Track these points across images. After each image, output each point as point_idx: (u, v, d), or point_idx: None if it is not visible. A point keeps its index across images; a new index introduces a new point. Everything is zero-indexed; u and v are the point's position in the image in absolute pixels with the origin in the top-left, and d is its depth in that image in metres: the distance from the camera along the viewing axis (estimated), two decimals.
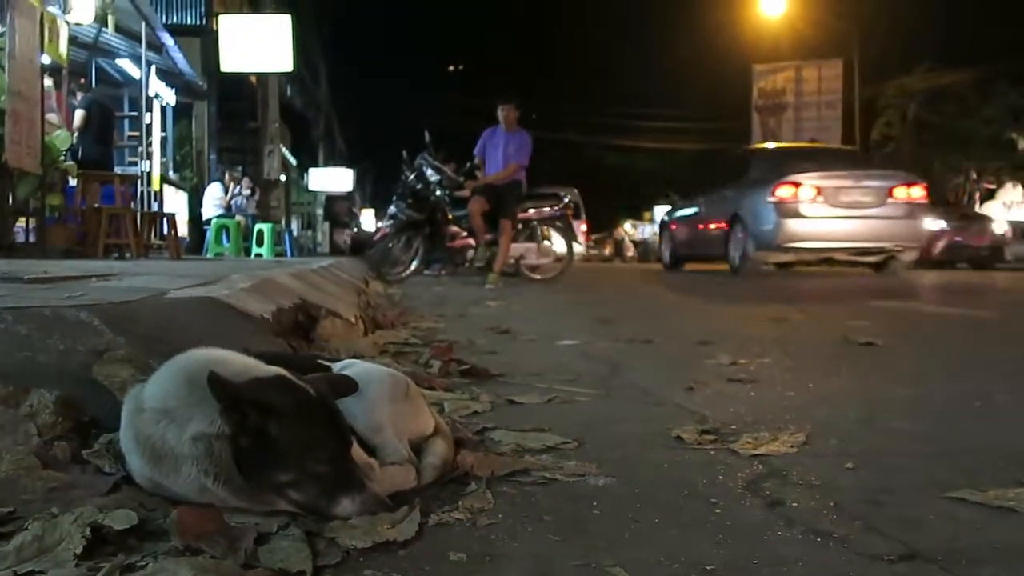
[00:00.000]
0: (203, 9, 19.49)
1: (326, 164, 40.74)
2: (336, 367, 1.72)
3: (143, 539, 1.23)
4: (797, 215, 11.51)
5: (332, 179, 38.62)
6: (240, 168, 20.18)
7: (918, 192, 12.02)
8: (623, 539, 1.29)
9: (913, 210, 11.86)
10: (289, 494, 1.33)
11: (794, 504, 1.46)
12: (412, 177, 10.05)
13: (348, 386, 1.50)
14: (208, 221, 15.86)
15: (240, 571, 1.10)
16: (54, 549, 1.14)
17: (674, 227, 16.13)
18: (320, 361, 1.78)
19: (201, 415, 1.33)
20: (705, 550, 1.24)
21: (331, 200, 40.47)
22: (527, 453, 1.79)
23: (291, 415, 1.33)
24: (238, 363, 1.42)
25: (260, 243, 15.13)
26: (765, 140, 34.21)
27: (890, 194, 11.75)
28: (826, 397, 2.53)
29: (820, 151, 15.46)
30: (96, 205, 8.82)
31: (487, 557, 1.21)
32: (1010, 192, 26.31)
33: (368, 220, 44.80)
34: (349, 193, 41.47)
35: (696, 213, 14.83)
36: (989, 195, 28.53)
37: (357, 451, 1.45)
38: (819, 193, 11.55)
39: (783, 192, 11.64)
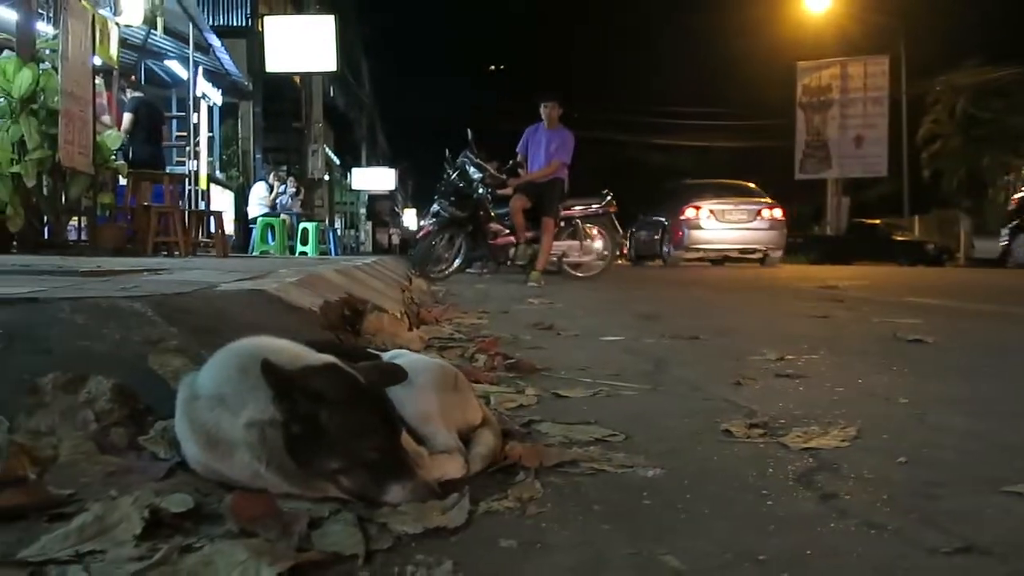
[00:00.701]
0: (249, 10, 19.74)
1: (369, 164, 41.05)
2: (385, 357, 1.73)
3: (199, 522, 1.25)
4: (698, 227, 18.39)
5: (375, 178, 38.92)
6: (285, 167, 20.42)
7: (778, 212, 18.66)
8: (673, 529, 1.28)
9: (775, 224, 18.50)
10: (339, 480, 1.34)
11: (847, 497, 1.44)
12: (455, 175, 10.08)
13: (398, 374, 1.51)
14: (254, 220, 16.05)
15: (294, 553, 1.12)
16: (114, 530, 1.16)
17: (634, 233, 22.24)
18: (369, 351, 1.80)
19: (254, 402, 1.35)
20: (757, 540, 1.22)
21: (374, 199, 40.80)
22: (574, 445, 1.79)
23: (342, 402, 1.35)
24: (290, 351, 1.44)
25: (304, 241, 15.29)
26: (810, 137, 33.83)
27: (759, 214, 18.38)
28: (876, 392, 2.49)
29: (723, 185, 20.73)
30: (146, 204, 8.97)
31: (537, 544, 1.22)
32: None
33: (410, 219, 45.09)
34: (391, 192, 41.80)
35: (645, 225, 21.47)
36: None
37: (406, 439, 1.46)
38: (712, 213, 18.36)
39: (689, 213, 18.55)
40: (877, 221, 30.50)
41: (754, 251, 18.46)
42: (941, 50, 32.10)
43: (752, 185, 20.63)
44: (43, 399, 1.55)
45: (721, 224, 18.28)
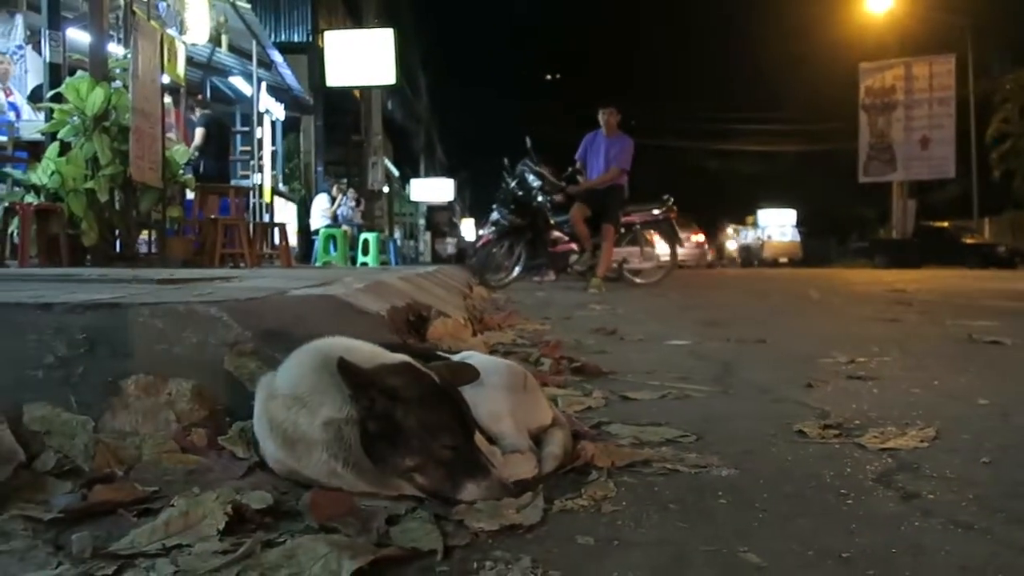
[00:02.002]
0: (310, 26, 20.10)
1: (427, 175, 41.41)
2: (455, 359, 1.74)
3: (279, 519, 1.27)
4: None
5: (433, 189, 39.25)
6: (345, 180, 20.71)
7: (700, 237, 26.77)
8: (752, 527, 1.27)
9: (701, 245, 25.95)
10: (415, 478, 1.35)
11: (930, 496, 1.40)
12: (514, 183, 10.10)
13: (470, 374, 1.52)
14: (315, 231, 16.30)
15: (374, 548, 1.13)
16: (198, 525, 1.19)
17: None
18: (439, 352, 1.81)
19: (331, 401, 1.37)
20: (839, 539, 1.20)
21: (432, 210, 41.13)
22: (645, 446, 1.77)
23: (417, 400, 1.36)
24: (365, 350, 1.46)
25: (365, 252, 15.46)
26: (874, 139, 33.12)
27: (688, 237, 23.00)
28: (954, 394, 2.43)
29: None
30: (213, 216, 9.17)
31: (614, 541, 1.21)
32: None
33: (468, 229, 45.31)
34: (449, 203, 42.07)
35: None
36: None
37: (479, 438, 1.46)
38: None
39: None
40: (945, 224, 29.71)
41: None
42: (1010, 47, 31.21)
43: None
44: (126, 400, 1.60)
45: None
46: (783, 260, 34.99)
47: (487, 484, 1.35)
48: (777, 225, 38.45)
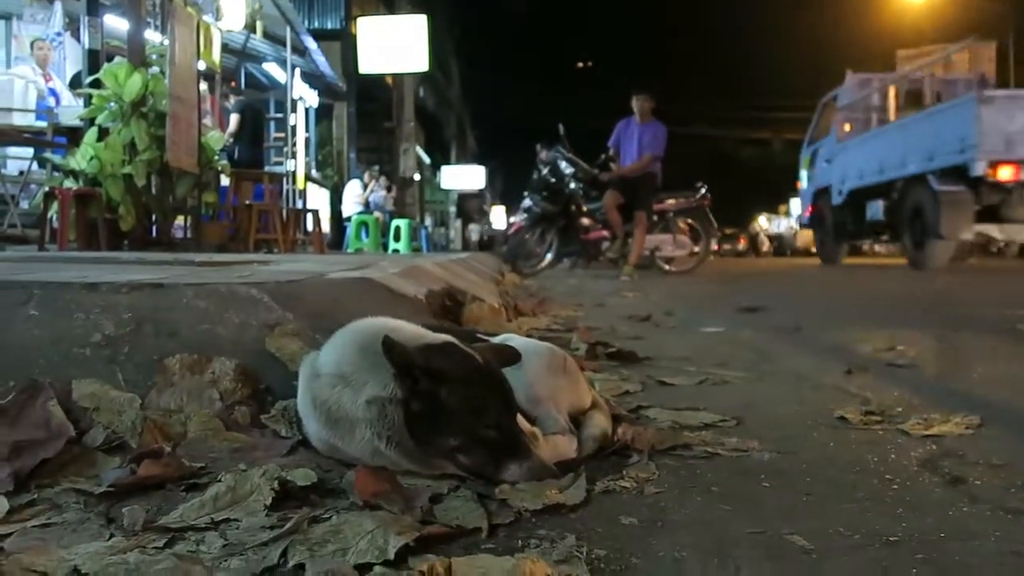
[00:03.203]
0: (343, 13, 20.15)
1: (458, 162, 41.42)
2: (495, 340, 1.74)
3: (323, 496, 1.29)
4: None
5: (464, 177, 39.24)
6: (377, 167, 20.78)
7: None
8: (797, 511, 1.26)
9: None
10: (458, 458, 1.36)
11: (977, 482, 1.39)
12: (546, 171, 10.08)
13: (512, 355, 1.52)
14: (348, 218, 16.38)
15: (418, 525, 1.13)
16: (246, 500, 1.20)
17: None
18: (479, 335, 1.81)
19: (375, 380, 1.38)
20: (885, 523, 1.19)
21: (463, 198, 41.15)
22: (685, 430, 1.77)
23: (460, 380, 1.36)
24: (408, 330, 1.46)
25: (397, 239, 15.52)
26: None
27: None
28: (997, 383, 2.39)
29: None
30: (247, 202, 9.25)
31: (658, 522, 1.21)
32: None
33: (499, 217, 45.29)
34: (480, 191, 42.06)
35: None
36: None
37: (520, 420, 1.47)
38: None
39: None
40: None
41: None
42: None
43: None
44: (171, 379, 1.62)
45: None
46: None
47: (529, 465, 1.35)
48: None
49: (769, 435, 1.72)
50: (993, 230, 10.58)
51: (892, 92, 13.17)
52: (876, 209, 12.63)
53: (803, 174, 16.26)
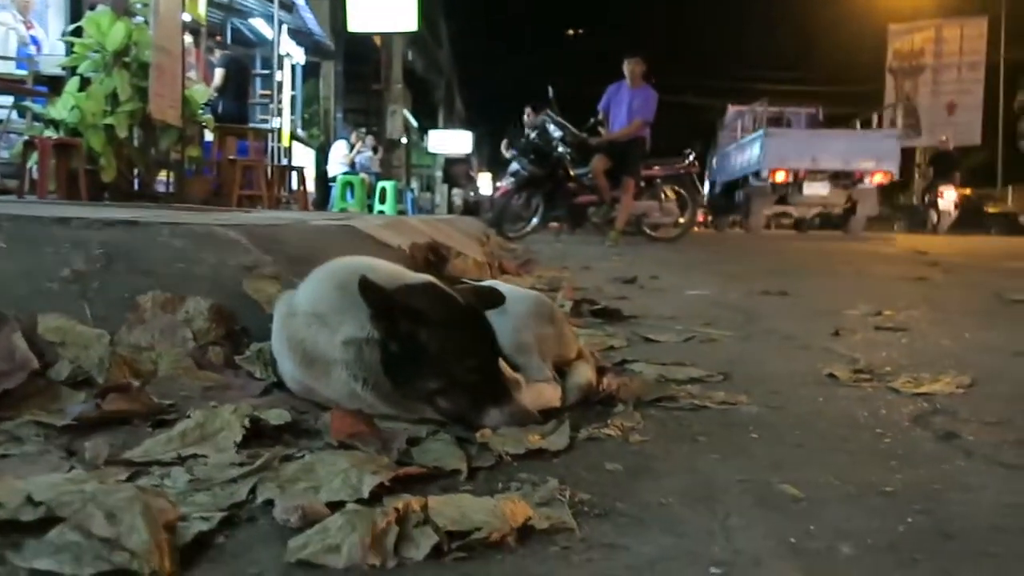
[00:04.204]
0: None
1: (446, 127, 41.08)
2: (480, 285, 1.69)
3: (297, 436, 1.24)
4: None
5: (451, 141, 38.91)
6: (364, 128, 20.56)
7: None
8: (787, 461, 1.22)
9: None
10: (437, 402, 1.31)
11: (970, 438, 1.35)
12: (534, 134, 9.96)
13: (496, 297, 1.47)
14: (333, 178, 16.20)
15: (394, 466, 1.09)
16: (215, 437, 1.15)
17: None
18: (463, 280, 1.76)
19: (352, 320, 1.33)
20: (879, 474, 1.15)
21: (450, 162, 40.86)
22: (671, 383, 1.73)
23: (441, 322, 1.31)
24: (388, 270, 1.41)
25: (383, 200, 15.36)
26: (899, 103, 32.54)
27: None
28: (986, 347, 2.37)
29: None
30: (231, 158, 9.11)
31: (644, 469, 1.17)
32: None
33: (485, 183, 45.03)
34: (467, 156, 41.76)
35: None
36: None
37: (504, 366, 1.42)
38: None
39: None
40: (967, 191, 29.24)
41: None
42: None
43: None
44: (143, 316, 1.56)
45: None
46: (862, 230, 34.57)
47: (511, 410, 1.31)
48: None
49: (757, 390, 1.69)
50: (784, 209, 16.88)
51: (753, 119, 18.21)
52: (739, 196, 18.10)
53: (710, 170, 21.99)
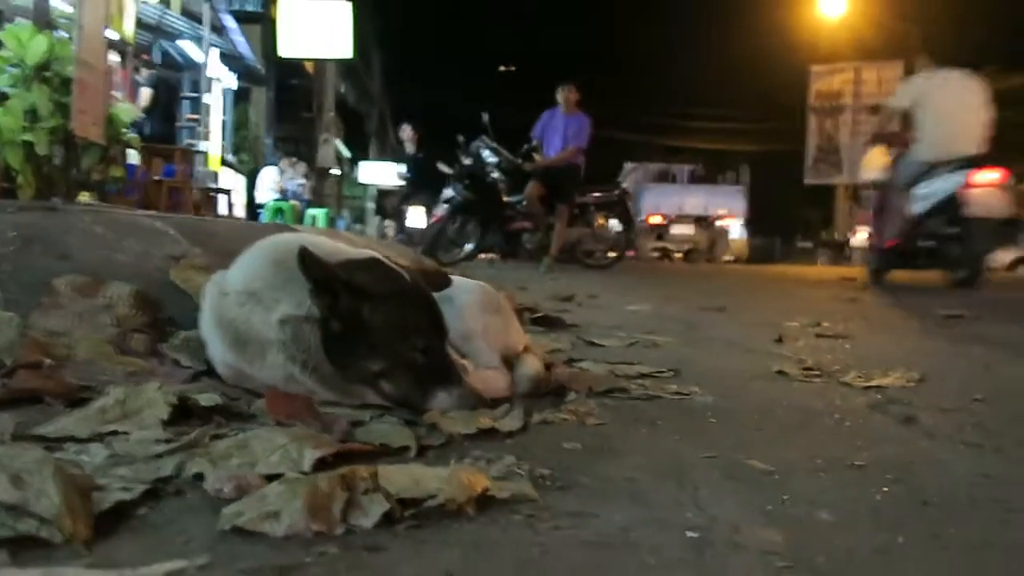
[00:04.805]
0: None
1: (379, 158, 40.89)
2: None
3: (229, 419, 1.14)
4: None
5: (383, 173, 38.72)
6: (295, 157, 20.30)
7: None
8: (749, 442, 1.17)
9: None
10: (381, 385, 1.23)
11: (930, 422, 1.33)
12: (469, 160, 9.92)
13: (442, 278, 1.41)
14: (261, 205, 15.92)
15: (338, 444, 1.00)
16: (138, 414, 1.05)
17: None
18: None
19: (289, 297, 1.24)
20: (846, 451, 1.11)
21: (383, 194, 40.60)
22: (622, 378, 1.67)
23: (385, 298, 1.23)
24: (329, 245, 1.32)
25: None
26: (821, 141, 33.53)
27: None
28: (928, 352, 2.38)
29: None
30: (156, 178, 8.86)
31: (604, 448, 1.10)
32: None
33: (418, 216, 44.85)
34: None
35: None
36: None
37: (451, 352, 1.34)
38: None
39: None
40: None
41: None
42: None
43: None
44: (59, 300, 1.44)
45: None
46: (728, 259, 35.33)
47: (460, 392, 1.23)
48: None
49: (709, 384, 1.64)
50: (663, 244, 22.66)
51: (643, 173, 24.38)
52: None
53: None
